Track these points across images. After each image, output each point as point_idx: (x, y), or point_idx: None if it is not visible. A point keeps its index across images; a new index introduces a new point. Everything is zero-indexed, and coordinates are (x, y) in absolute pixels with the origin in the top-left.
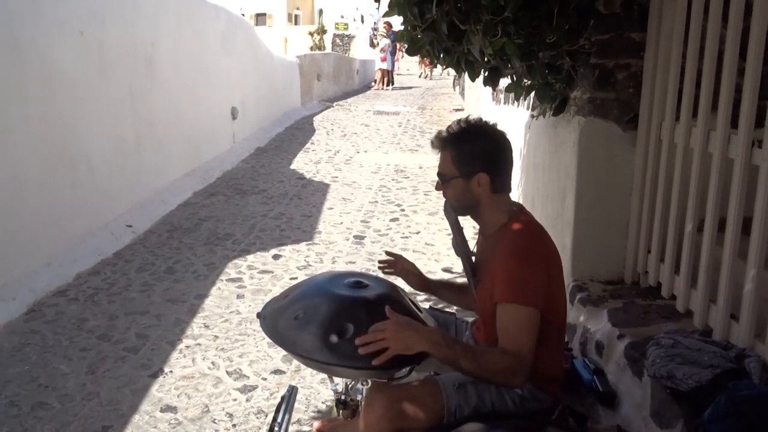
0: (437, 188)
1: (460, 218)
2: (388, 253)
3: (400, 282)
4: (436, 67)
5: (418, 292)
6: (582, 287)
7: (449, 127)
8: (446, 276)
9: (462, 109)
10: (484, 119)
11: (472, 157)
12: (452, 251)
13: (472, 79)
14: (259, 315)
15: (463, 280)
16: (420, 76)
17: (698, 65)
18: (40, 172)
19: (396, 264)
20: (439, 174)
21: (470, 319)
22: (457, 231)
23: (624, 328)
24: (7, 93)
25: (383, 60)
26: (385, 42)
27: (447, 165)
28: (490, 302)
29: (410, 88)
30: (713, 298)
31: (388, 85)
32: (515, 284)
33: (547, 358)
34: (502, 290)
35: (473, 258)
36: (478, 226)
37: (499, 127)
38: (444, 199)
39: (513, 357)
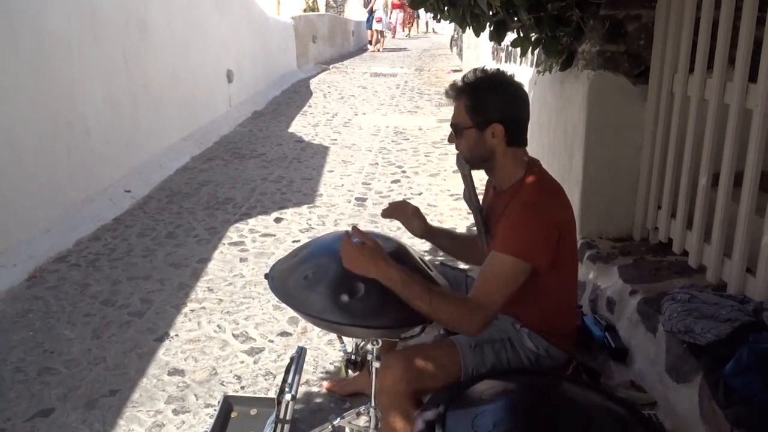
0: (450, 141)
1: (474, 172)
2: (392, 204)
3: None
4: (413, 25)
5: (417, 237)
6: (591, 244)
7: (465, 76)
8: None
9: (460, 70)
10: (501, 69)
11: (487, 107)
12: (455, 212)
13: (477, 34)
14: (267, 276)
15: (437, 225)
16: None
17: (713, 15)
18: (36, 137)
19: (402, 208)
20: (452, 125)
21: None
22: (470, 184)
23: (636, 284)
24: None
25: (378, 21)
26: (380, 2)
27: (461, 115)
28: None
29: (406, 49)
30: (727, 253)
31: (382, 45)
32: (516, 236)
33: (561, 315)
34: (502, 239)
35: (483, 212)
36: (485, 180)
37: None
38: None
39: (474, 307)
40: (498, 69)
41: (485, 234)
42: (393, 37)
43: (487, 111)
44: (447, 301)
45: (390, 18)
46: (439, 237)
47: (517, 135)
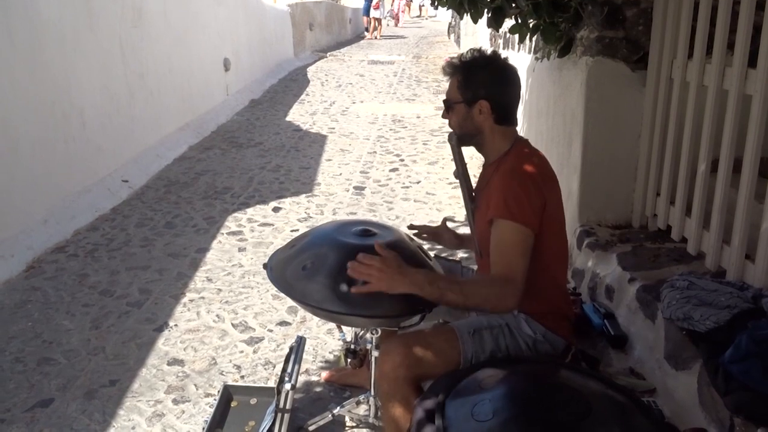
0: (443, 116)
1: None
2: (414, 229)
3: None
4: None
5: (453, 251)
6: (589, 232)
7: (461, 55)
8: (448, 225)
9: None
10: (497, 52)
11: (476, 84)
12: (453, 200)
13: (475, 20)
14: (265, 266)
15: (435, 212)
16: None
17: (712, 0)
18: (32, 127)
19: (435, 235)
20: (444, 100)
21: (475, 267)
22: (456, 155)
23: (635, 271)
24: None
25: (376, 8)
26: None
27: (453, 91)
28: (487, 225)
29: (403, 37)
30: (726, 240)
31: (380, 32)
32: (510, 201)
33: (556, 297)
34: (496, 206)
35: (473, 191)
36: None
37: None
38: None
39: (502, 282)
40: (494, 51)
41: (470, 203)
42: (396, 25)
43: (475, 88)
44: (476, 286)
45: (393, 5)
46: (468, 243)
47: (504, 113)
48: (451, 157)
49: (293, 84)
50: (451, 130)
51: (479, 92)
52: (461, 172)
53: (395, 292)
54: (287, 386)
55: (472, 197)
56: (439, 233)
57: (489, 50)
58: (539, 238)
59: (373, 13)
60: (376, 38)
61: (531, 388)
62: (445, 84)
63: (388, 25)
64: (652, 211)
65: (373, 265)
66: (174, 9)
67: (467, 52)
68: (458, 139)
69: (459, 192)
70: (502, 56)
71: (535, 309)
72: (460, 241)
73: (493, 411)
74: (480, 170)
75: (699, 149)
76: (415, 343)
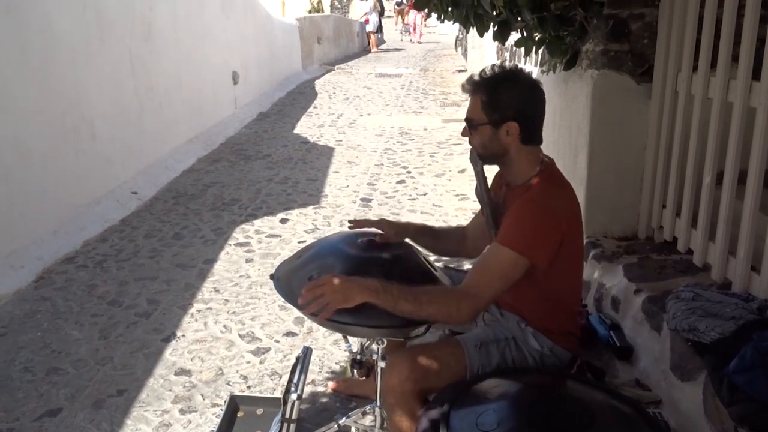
0: (463, 134)
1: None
2: (353, 222)
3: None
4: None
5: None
6: (596, 244)
7: (482, 71)
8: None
9: (465, 70)
10: (519, 66)
11: (503, 105)
12: (460, 212)
13: (481, 34)
14: (272, 276)
15: (441, 224)
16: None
17: (717, 13)
18: (43, 139)
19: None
20: (467, 119)
21: None
22: (482, 181)
23: (641, 283)
24: (6, 59)
25: (367, 23)
26: (369, 4)
27: (476, 111)
28: None
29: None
30: (732, 251)
31: (373, 46)
32: (518, 231)
33: (566, 313)
34: (504, 233)
35: (493, 207)
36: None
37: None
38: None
39: (459, 296)
40: (516, 65)
41: (494, 229)
42: (413, 42)
43: (502, 108)
44: (432, 294)
45: (406, 19)
46: (418, 237)
47: (531, 133)
48: (459, 169)
49: (301, 97)
50: (471, 148)
51: (507, 113)
52: (486, 200)
53: (354, 304)
54: (293, 396)
55: (497, 224)
56: (381, 227)
57: (510, 65)
58: (553, 267)
59: (367, 28)
60: (377, 50)
61: (536, 399)
62: (452, 97)
63: (402, 40)
64: (657, 223)
65: (325, 284)
66: (183, 23)
67: (488, 68)
68: (481, 160)
69: (466, 204)
70: (525, 70)
71: (544, 324)
72: (404, 235)
73: (498, 421)
74: (492, 180)
75: (704, 161)
76: (421, 356)
